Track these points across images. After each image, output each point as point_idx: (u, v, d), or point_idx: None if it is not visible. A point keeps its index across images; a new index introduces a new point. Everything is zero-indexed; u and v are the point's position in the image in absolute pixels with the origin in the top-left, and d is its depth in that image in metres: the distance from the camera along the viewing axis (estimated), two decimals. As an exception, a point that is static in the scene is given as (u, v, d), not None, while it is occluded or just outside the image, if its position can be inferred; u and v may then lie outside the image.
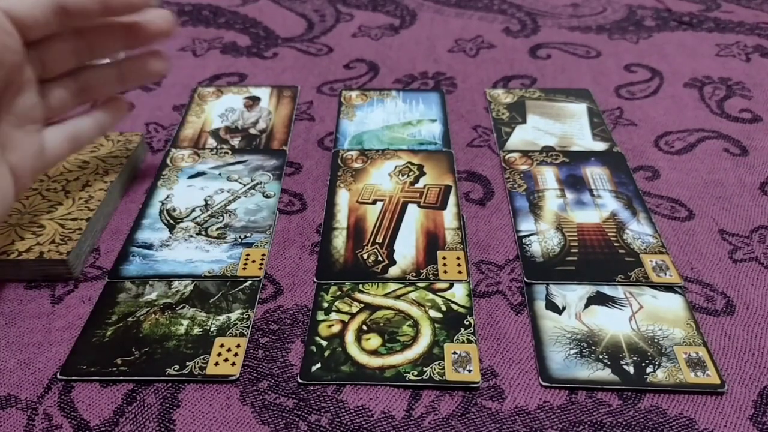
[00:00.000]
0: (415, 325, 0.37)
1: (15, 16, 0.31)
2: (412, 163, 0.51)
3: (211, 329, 0.37)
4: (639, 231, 0.44)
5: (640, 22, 0.73)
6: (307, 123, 0.57)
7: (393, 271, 0.41)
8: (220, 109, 0.58)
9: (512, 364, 0.35)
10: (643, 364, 0.35)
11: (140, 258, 0.42)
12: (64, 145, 0.39)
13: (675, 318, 0.38)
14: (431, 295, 0.39)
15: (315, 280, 0.41)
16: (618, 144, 0.53)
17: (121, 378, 0.35)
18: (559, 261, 0.41)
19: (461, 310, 0.38)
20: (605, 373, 0.34)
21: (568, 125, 0.55)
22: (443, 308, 0.38)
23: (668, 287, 0.40)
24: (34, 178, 0.38)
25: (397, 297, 0.39)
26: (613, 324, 0.37)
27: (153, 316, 0.38)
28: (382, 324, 0.38)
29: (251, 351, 0.36)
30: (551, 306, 0.38)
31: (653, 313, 0.38)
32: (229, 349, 0.36)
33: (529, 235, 0.44)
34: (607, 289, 0.39)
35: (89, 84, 0.39)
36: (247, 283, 0.40)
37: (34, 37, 0.33)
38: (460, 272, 0.41)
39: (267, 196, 0.48)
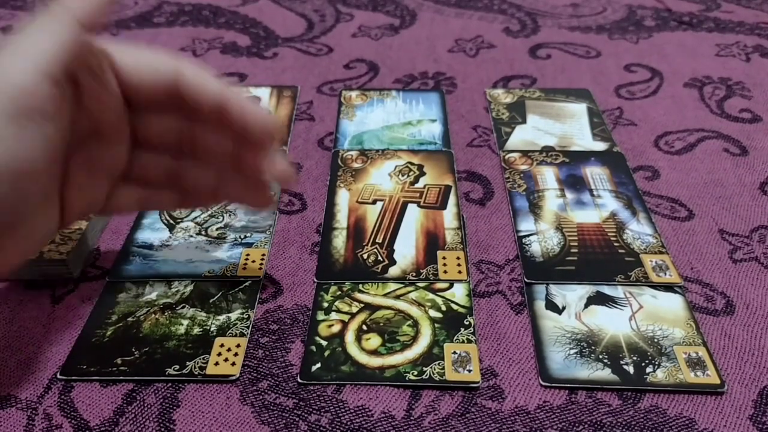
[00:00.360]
0: (415, 325, 0.37)
1: (124, 78, 0.30)
2: (412, 163, 0.51)
3: (211, 329, 0.37)
4: (639, 231, 0.44)
5: (640, 22, 0.73)
6: (307, 123, 0.57)
7: (393, 271, 0.41)
8: (220, 109, 0.58)
9: (512, 364, 0.35)
10: (643, 364, 0.35)
11: (140, 258, 0.42)
12: (132, 203, 0.35)
13: (675, 318, 0.38)
14: (431, 295, 0.39)
15: (315, 280, 0.41)
16: (618, 144, 0.53)
17: (121, 378, 0.35)
18: (559, 261, 0.41)
19: (461, 310, 0.38)
20: (605, 373, 0.34)
21: (568, 125, 0.55)
22: (443, 308, 0.38)
23: (668, 287, 0.40)
24: (85, 217, 0.36)
25: (397, 297, 0.39)
26: (613, 324, 0.37)
27: (153, 316, 0.38)
28: (382, 324, 0.38)
29: (251, 351, 0.36)
30: (551, 306, 0.39)
31: (653, 313, 0.38)
32: (229, 349, 0.36)
33: (529, 235, 0.44)
34: (607, 289, 0.39)
35: (185, 179, 0.34)
36: (247, 283, 0.40)
37: (138, 103, 0.31)
38: (460, 272, 0.41)
39: (267, 196, 0.48)
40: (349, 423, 0.33)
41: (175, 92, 0.30)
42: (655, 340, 0.36)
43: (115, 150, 0.32)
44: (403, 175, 0.49)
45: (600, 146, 0.52)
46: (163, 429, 0.32)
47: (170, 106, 0.31)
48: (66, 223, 0.33)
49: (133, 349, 0.36)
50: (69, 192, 0.31)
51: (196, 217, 0.46)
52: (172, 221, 0.45)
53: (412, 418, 0.33)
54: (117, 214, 0.38)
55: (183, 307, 0.39)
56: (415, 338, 0.37)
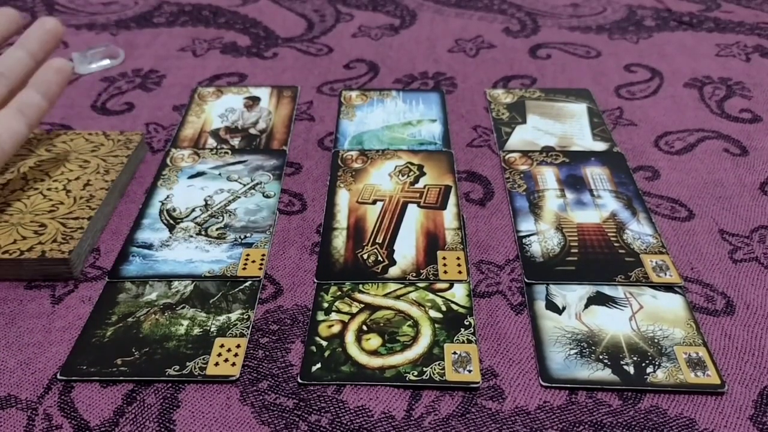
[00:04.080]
0: (415, 325, 0.37)
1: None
2: (412, 163, 0.51)
3: (211, 329, 0.37)
4: (639, 231, 0.44)
5: (640, 22, 0.73)
6: (307, 123, 0.57)
7: (393, 271, 0.41)
8: (220, 109, 0.58)
9: (512, 364, 0.35)
10: (643, 364, 0.35)
11: (140, 258, 0.42)
12: (13, 124, 0.41)
13: (675, 318, 0.38)
14: (431, 296, 0.39)
15: (315, 280, 0.41)
16: (618, 144, 0.53)
17: (121, 378, 0.35)
18: (559, 261, 0.41)
19: (461, 310, 0.38)
20: (605, 373, 0.34)
21: (568, 125, 0.55)
22: (443, 308, 0.38)
23: (668, 287, 0.40)
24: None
25: (397, 297, 0.39)
26: (613, 324, 0.37)
27: (153, 316, 0.38)
28: (382, 324, 0.38)
29: (251, 351, 0.36)
30: (551, 306, 0.39)
31: (653, 313, 0.38)
32: (229, 350, 0.36)
33: (529, 235, 0.44)
34: (607, 289, 0.39)
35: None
36: (247, 284, 0.40)
37: None
38: (460, 272, 0.41)
39: (267, 196, 0.48)
40: (349, 423, 0.33)
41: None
42: (656, 341, 0.36)
43: None
44: (403, 175, 0.49)
45: (600, 146, 0.52)
46: (163, 429, 0.32)
47: None
48: None
49: (133, 350, 0.36)
50: None
51: (196, 217, 0.46)
52: (172, 221, 0.45)
53: (412, 418, 0.33)
54: (17, 143, 0.43)
55: (183, 308, 0.39)
56: (415, 338, 0.37)
